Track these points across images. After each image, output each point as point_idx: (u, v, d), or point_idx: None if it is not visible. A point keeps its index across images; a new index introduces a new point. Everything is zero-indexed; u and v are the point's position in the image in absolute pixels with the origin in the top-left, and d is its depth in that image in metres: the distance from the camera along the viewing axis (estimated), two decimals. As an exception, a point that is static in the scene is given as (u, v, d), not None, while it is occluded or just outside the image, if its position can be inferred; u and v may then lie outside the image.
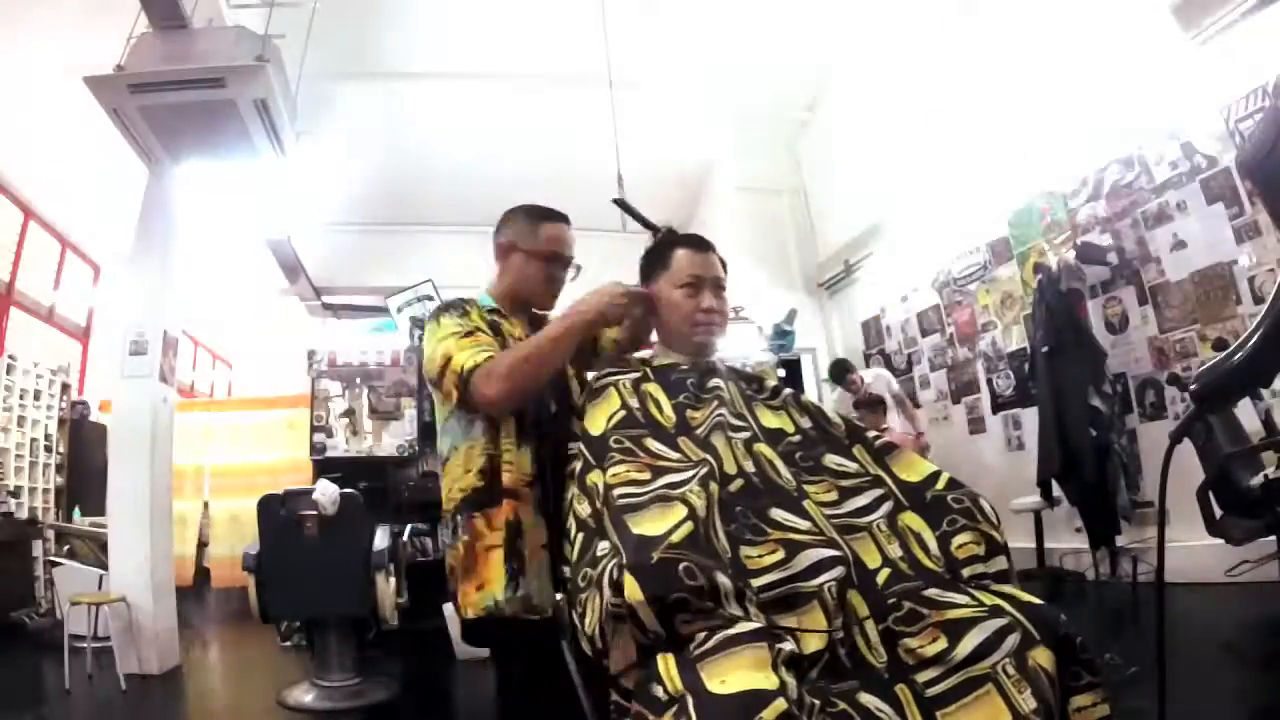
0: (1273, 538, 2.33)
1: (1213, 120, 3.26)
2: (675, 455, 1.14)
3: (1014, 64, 4.22)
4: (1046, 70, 4.02)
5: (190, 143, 3.36)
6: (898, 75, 5.18)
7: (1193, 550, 2.78)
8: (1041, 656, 0.87)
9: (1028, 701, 0.83)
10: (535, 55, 5.43)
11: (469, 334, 1.33)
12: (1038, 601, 0.95)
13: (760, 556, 1.00)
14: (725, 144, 6.45)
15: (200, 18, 3.21)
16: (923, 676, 0.88)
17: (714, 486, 1.06)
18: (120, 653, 3.00)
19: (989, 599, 0.96)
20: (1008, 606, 0.93)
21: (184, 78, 3.00)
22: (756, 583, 0.96)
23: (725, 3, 5.27)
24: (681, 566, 0.89)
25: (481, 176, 6.44)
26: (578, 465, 1.21)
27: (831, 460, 1.20)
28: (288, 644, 3.59)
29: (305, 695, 2.69)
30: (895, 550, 1.07)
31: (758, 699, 0.75)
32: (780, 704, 0.75)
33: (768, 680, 0.77)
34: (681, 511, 0.99)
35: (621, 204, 1.52)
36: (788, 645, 0.84)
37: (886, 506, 1.13)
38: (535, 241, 1.47)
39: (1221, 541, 2.44)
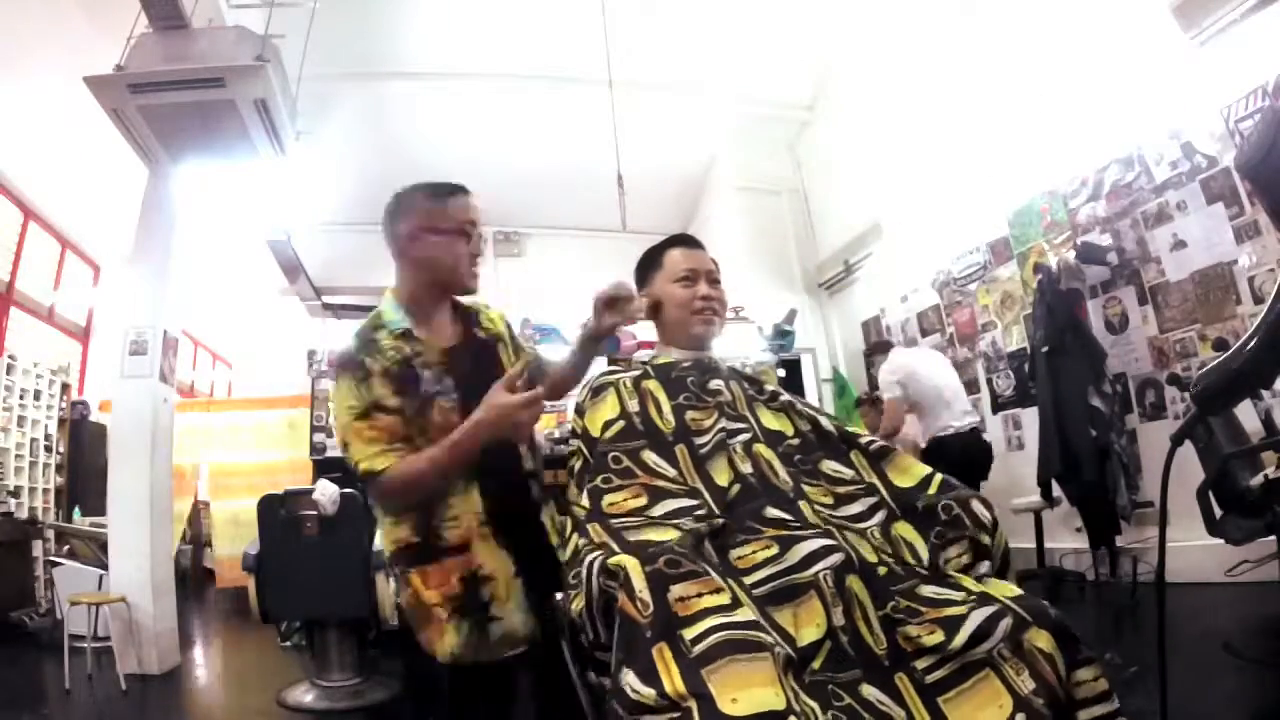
0: (1273, 538, 2.32)
1: (1213, 120, 3.25)
2: (672, 473, 1.15)
3: (1014, 64, 4.22)
4: (1046, 70, 4.02)
5: (190, 143, 3.36)
6: (898, 75, 5.18)
7: (1193, 550, 2.77)
8: (1038, 638, 0.87)
9: (1026, 683, 0.84)
10: (535, 55, 5.43)
11: (364, 415, 1.22)
12: (1020, 592, 0.97)
13: (754, 553, 1.00)
14: (725, 144, 6.45)
15: (200, 18, 3.21)
16: (921, 664, 0.88)
17: (714, 522, 1.07)
18: (120, 653, 3.00)
19: (976, 586, 0.98)
20: (994, 594, 0.95)
21: (184, 78, 3.00)
22: (750, 579, 0.97)
23: (725, 3, 5.27)
24: (674, 544, 0.94)
25: (481, 176, 6.43)
26: (577, 463, 1.22)
27: (828, 466, 1.22)
28: (288, 644, 3.58)
29: (305, 695, 2.69)
30: (888, 555, 1.08)
31: None
32: None
33: (777, 698, 0.77)
34: (675, 534, 1.02)
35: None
36: (781, 650, 0.84)
37: (879, 516, 1.14)
38: (447, 217, 1.35)
39: (1221, 541, 2.44)
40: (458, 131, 6.04)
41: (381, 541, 1.31)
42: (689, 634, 0.83)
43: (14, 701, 2.78)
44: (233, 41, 3.11)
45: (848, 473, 1.20)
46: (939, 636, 0.90)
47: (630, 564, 0.90)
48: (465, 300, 1.45)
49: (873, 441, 1.26)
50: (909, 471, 1.19)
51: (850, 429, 1.30)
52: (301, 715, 2.59)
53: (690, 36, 5.42)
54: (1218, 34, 3.16)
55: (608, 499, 1.12)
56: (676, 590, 0.87)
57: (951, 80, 4.70)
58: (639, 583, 0.88)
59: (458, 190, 1.39)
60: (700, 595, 0.87)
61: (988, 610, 0.91)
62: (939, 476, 1.17)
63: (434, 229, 1.34)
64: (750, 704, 0.76)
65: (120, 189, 4.01)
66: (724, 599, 0.87)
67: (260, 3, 3.41)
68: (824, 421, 1.29)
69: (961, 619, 0.91)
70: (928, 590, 0.99)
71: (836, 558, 0.97)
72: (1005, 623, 0.89)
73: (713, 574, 0.93)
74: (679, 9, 5.23)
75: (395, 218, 1.37)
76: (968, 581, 1.00)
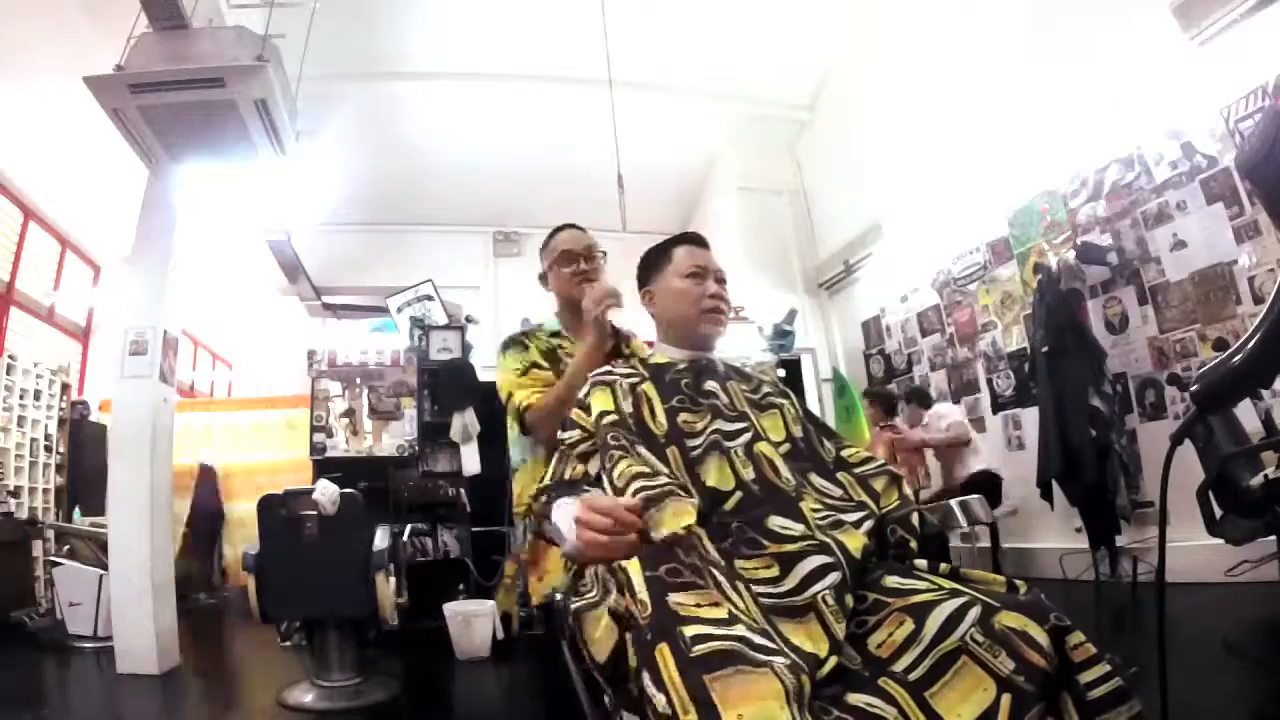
0: (1273, 538, 2.33)
1: (1213, 120, 3.25)
2: (664, 470, 1.16)
3: (1014, 64, 4.22)
4: (1046, 70, 4.02)
5: (190, 142, 3.35)
6: (898, 75, 5.18)
7: (1193, 550, 2.78)
8: (1007, 619, 0.87)
9: (1005, 664, 0.83)
10: (535, 55, 5.43)
11: (524, 372, 1.62)
12: (998, 581, 0.97)
13: (755, 569, 1.00)
14: (725, 144, 6.45)
15: (200, 18, 3.21)
16: (900, 665, 0.88)
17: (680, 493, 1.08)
18: (120, 653, 3.00)
19: (946, 584, 0.97)
20: (964, 588, 0.95)
21: (184, 78, 3.00)
22: (755, 589, 0.97)
23: (725, 2, 5.27)
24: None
25: (481, 176, 6.47)
26: (574, 434, 1.23)
27: (816, 480, 1.22)
28: (288, 644, 3.58)
29: (305, 695, 2.69)
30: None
31: None
32: None
33: (782, 712, 0.75)
34: (664, 478, 1.09)
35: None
36: (785, 659, 0.82)
37: (868, 525, 1.15)
38: (552, 257, 1.76)
39: (1221, 541, 2.44)
40: (458, 131, 6.05)
41: (518, 500, 1.65)
42: (689, 631, 0.82)
43: (14, 701, 2.78)
44: (233, 41, 3.10)
45: (835, 490, 1.21)
46: (909, 627, 0.90)
47: (632, 566, 0.91)
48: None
49: (868, 459, 1.29)
50: (891, 494, 1.22)
51: (844, 453, 1.31)
52: (301, 715, 2.59)
53: (690, 36, 5.42)
54: (1218, 34, 3.16)
55: (617, 470, 1.13)
56: (674, 598, 0.87)
57: (951, 80, 4.70)
58: (638, 583, 0.88)
59: (561, 228, 1.82)
60: (699, 605, 0.86)
61: (957, 601, 0.91)
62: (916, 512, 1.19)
63: (551, 270, 1.77)
64: None
65: (120, 189, 4.01)
66: (721, 613, 0.86)
67: (260, 3, 3.41)
68: (813, 439, 1.30)
69: (930, 605, 0.91)
70: (891, 581, 0.99)
71: (835, 577, 0.97)
72: (974, 611, 0.88)
73: (719, 576, 0.93)
74: (679, 9, 5.23)
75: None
76: (936, 579, 1.00)
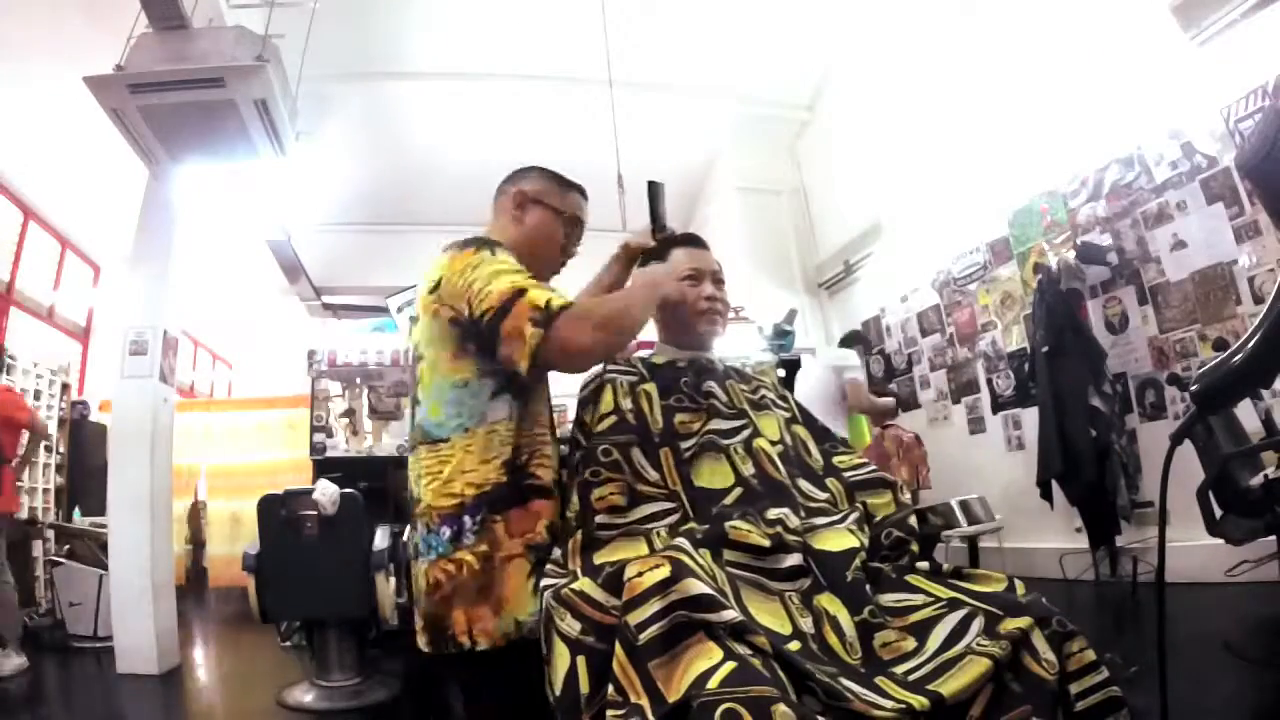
0: (1273, 538, 2.33)
1: (1213, 120, 3.25)
2: (654, 476, 1.16)
3: (1014, 64, 4.22)
4: (1046, 70, 4.02)
5: (190, 143, 3.35)
6: (898, 75, 5.18)
7: (1193, 550, 2.78)
8: (1011, 624, 0.87)
9: (1007, 650, 0.85)
10: (535, 55, 5.43)
11: (534, 278, 1.16)
12: (999, 587, 0.97)
13: (749, 531, 1.02)
14: (725, 144, 6.45)
15: (200, 18, 3.21)
16: (901, 670, 0.88)
17: (689, 526, 1.08)
18: (120, 653, 3.00)
19: (945, 592, 0.98)
20: (965, 597, 0.95)
21: (184, 78, 3.00)
22: (732, 555, 1.00)
23: (725, 3, 5.27)
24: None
25: (481, 176, 6.44)
26: (574, 456, 1.23)
27: (804, 485, 1.22)
28: (288, 644, 3.58)
29: (305, 695, 2.69)
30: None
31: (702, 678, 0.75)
32: (730, 666, 0.75)
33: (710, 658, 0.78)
34: (644, 547, 1.03)
35: (653, 191, 1.54)
36: (733, 614, 0.83)
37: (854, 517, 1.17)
38: (563, 203, 1.41)
39: (1221, 541, 2.44)
40: (458, 131, 6.04)
41: (443, 488, 1.13)
42: (633, 619, 0.83)
43: (14, 701, 2.78)
44: (233, 41, 3.10)
45: (821, 495, 1.22)
46: (911, 644, 0.91)
47: (588, 586, 0.94)
48: None
49: (860, 465, 1.29)
50: (888, 505, 1.23)
51: (836, 459, 1.31)
52: (301, 715, 2.59)
53: (690, 36, 5.42)
54: (1218, 34, 3.16)
55: (595, 493, 1.13)
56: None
57: (951, 80, 4.70)
58: (597, 593, 0.92)
59: (579, 188, 1.47)
60: (641, 575, 0.86)
61: (959, 614, 0.92)
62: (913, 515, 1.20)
63: (551, 206, 1.39)
64: (688, 682, 0.76)
65: (120, 189, 4.01)
66: (664, 573, 0.84)
67: (260, 3, 3.41)
68: (813, 448, 1.31)
69: (931, 622, 0.92)
70: (888, 599, 1.00)
71: (804, 582, 1.00)
72: (978, 622, 0.90)
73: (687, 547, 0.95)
74: (679, 9, 5.23)
75: (516, 177, 1.46)
76: (934, 587, 1.00)
